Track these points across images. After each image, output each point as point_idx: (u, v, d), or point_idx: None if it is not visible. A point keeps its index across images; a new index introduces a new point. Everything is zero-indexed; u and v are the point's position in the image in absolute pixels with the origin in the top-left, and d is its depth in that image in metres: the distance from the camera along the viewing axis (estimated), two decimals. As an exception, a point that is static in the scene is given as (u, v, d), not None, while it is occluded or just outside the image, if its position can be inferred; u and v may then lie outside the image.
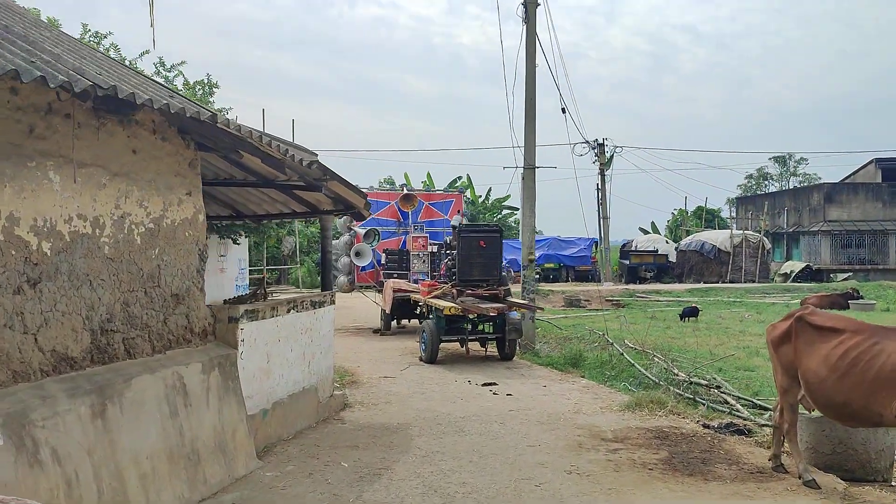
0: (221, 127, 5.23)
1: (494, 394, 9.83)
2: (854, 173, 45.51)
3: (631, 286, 32.82)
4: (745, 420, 8.58)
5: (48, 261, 4.64)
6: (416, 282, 15.84)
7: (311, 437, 7.48)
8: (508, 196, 46.21)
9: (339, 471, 6.35)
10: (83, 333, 4.92)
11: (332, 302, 8.57)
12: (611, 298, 27.99)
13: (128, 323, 5.36)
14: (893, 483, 6.23)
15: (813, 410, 6.16)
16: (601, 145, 36.59)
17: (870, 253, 38.45)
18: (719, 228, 44.41)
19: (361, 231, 17.66)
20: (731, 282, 34.31)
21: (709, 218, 49.41)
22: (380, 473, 6.25)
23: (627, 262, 38.17)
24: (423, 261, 17.41)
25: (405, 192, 18.46)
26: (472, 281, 12.62)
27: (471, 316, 12.53)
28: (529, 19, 14.53)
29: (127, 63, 20.13)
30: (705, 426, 7.90)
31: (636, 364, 11.78)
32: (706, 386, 10.24)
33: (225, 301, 13.47)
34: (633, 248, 40.65)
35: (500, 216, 46.29)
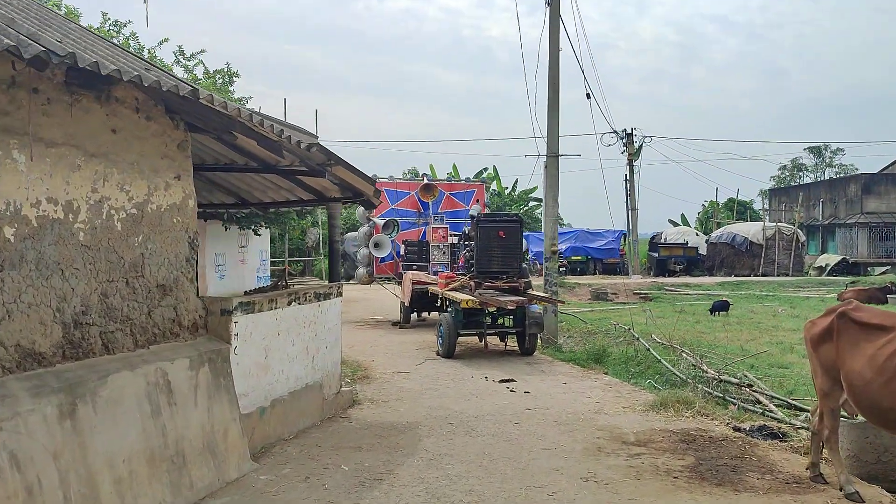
0: (204, 103, 4.81)
1: (511, 391, 9.35)
2: (893, 164, 44.12)
3: (660, 279, 32.11)
4: (779, 422, 8.02)
5: (11, 248, 4.25)
6: (435, 274, 15.38)
7: (314, 437, 7.07)
8: (535, 188, 45.49)
9: (338, 475, 5.92)
10: (53, 327, 4.53)
11: (339, 294, 8.15)
12: (639, 292, 27.36)
13: (106, 315, 4.97)
14: (945, 496, 5.66)
15: (856, 416, 5.60)
16: (629, 135, 35.82)
17: (909, 246, 37.26)
18: (751, 220, 43.37)
19: (381, 222, 17.22)
20: (763, 275, 33.43)
21: (740, 210, 48.33)
22: (381, 478, 5.81)
23: (656, 254, 37.39)
24: (444, 252, 16.94)
25: (425, 181, 17.95)
26: (491, 273, 12.12)
27: (490, 309, 12.06)
28: (553, 1, 13.95)
29: (146, 52, 19.94)
30: (736, 429, 7.34)
31: (663, 360, 11.23)
32: (737, 384, 9.68)
33: (246, 292, 13.18)
34: (662, 241, 39.82)
35: (526, 208, 45.65)
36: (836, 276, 33.06)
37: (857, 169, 59.47)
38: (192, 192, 5.96)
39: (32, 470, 4.03)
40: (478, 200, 17.81)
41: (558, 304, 12.92)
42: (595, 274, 36.67)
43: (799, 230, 36.58)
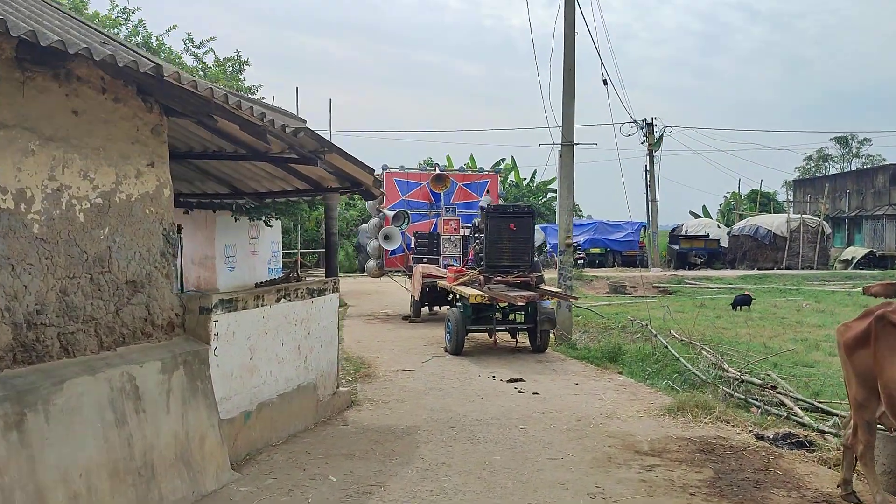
0: (169, 81, 4.35)
1: (520, 392, 8.86)
2: (922, 154, 42.94)
3: (680, 272, 31.42)
4: (805, 428, 7.48)
5: (-51, 241, 3.83)
6: (447, 267, 14.91)
7: (305, 443, 6.63)
8: (554, 179, 44.75)
9: (324, 486, 5.47)
10: (1, 328, 4.11)
11: (335, 290, 7.69)
12: (658, 285, 26.74)
13: (66, 315, 4.55)
14: None
15: (895, 430, 5.07)
16: (650, 125, 35.06)
17: (939, 239, 36.22)
18: (775, 212, 42.43)
19: (391, 213, 16.76)
20: (787, 268, 32.64)
21: (764, 201, 47.34)
22: (370, 491, 5.36)
23: (677, 247, 36.66)
24: (455, 245, 16.46)
25: (437, 172, 17.44)
26: (501, 267, 11.63)
27: (502, 304, 11.58)
28: (568, -19, 13.35)
29: (153, 39, 19.59)
30: (759, 437, 6.81)
31: (681, 358, 10.69)
32: (760, 386, 9.13)
33: (256, 285, 12.77)
34: (682, 233, 39.04)
35: (544, 199, 45.03)
36: (862, 269, 32.19)
37: (884, 159, 58.05)
38: (168, 180, 5.52)
39: (-31, 489, 3.62)
40: (488, 192, 17.27)
41: (572, 300, 12.34)
42: (614, 266, 36.00)
43: (824, 222, 35.68)
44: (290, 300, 6.75)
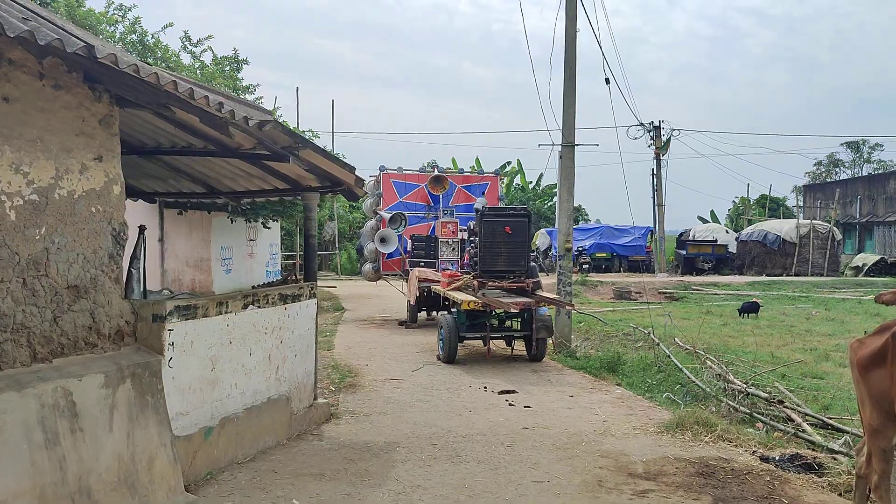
0: (104, 62, 3.90)
1: (511, 405, 8.38)
2: (935, 159, 42.24)
3: (687, 278, 30.86)
4: (814, 447, 6.99)
5: None
6: (444, 271, 14.44)
7: (273, 460, 6.17)
8: (555, 184, 44.39)
9: (285, 512, 5.02)
10: None
11: (312, 295, 7.23)
12: (664, 291, 26.22)
13: (-9, 323, 4.10)
14: None
15: (913, 458, 4.56)
16: (657, 128, 34.48)
17: (952, 246, 35.51)
18: (784, 218, 41.84)
19: (387, 215, 16.31)
20: (796, 275, 32.04)
21: (773, 206, 46.75)
22: (334, 518, 4.90)
23: (684, 252, 36.08)
24: (453, 248, 16.00)
25: (436, 173, 16.96)
26: (496, 271, 11.13)
27: (498, 311, 11.10)
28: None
29: (149, 36, 19.24)
30: (763, 458, 6.31)
31: (684, 369, 10.19)
32: (766, 400, 8.63)
33: (253, 287, 12.33)
34: (690, 238, 38.44)
35: (550, 203, 44.53)
36: (873, 276, 31.54)
37: (896, 165, 57.33)
38: (119, 176, 5.07)
39: None
40: (483, 193, 16.77)
41: (570, 307, 11.84)
42: (620, 271, 35.47)
43: (835, 228, 35.02)
44: (259, 307, 6.29)
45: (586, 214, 51.82)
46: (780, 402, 8.58)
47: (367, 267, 17.15)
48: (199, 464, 5.54)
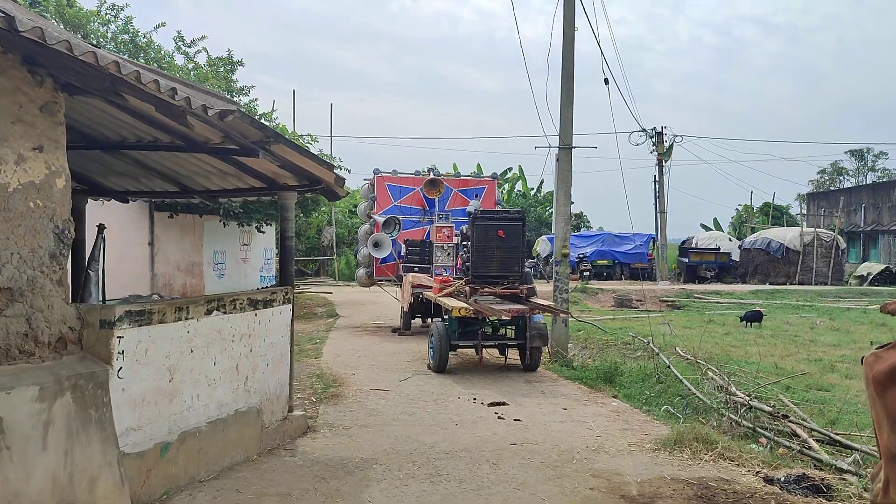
0: (28, 37, 3.48)
1: (500, 418, 7.92)
2: (941, 168, 41.79)
3: (689, 286, 30.41)
4: (821, 465, 6.54)
5: None
6: (437, 276, 14.00)
7: (239, 478, 5.72)
8: (562, 188, 43.95)
9: (242, 538, 4.57)
10: None
11: (287, 301, 6.79)
12: (666, 299, 25.76)
13: None
14: None
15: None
16: (659, 134, 34.05)
17: (958, 255, 35.00)
18: (788, 226, 41.34)
19: (381, 219, 15.88)
20: (800, 283, 31.57)
21: (776, 214, 46.28)
22: (295, 546, 4.45)
23: (686, 260, 35.64)
24: (448, 253, 15.55)
25: (431, 176, 16.53)
26: (488, 277, 10.69)
27: (492, 318, 10.66)
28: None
29: (141, 36, 18.92)
30: (767, 480, 5.84)
31: (684, 380, 9.74)
32: (770, 414, 8.18)
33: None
34: (692, 246, 37.99)
35: (552, 209, 44.06)
36: (878, 285, 31.05)
37: (900, 174, 56.90)
38: (64, 168, 4.64)
39: None
40: (476, 196, 16.33)
41: (566, 315, 11.39)
42: (621, 279, 35.00)
43: (839, 236, 34.53)
44: (225, 312, 5.85)
45: (588, 221, 51.39)
46: (785, 416, 8.14)
47: (361, 272, 16.72)
48: (154, 483, 5.09)
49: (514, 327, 10.95)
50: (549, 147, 12.66)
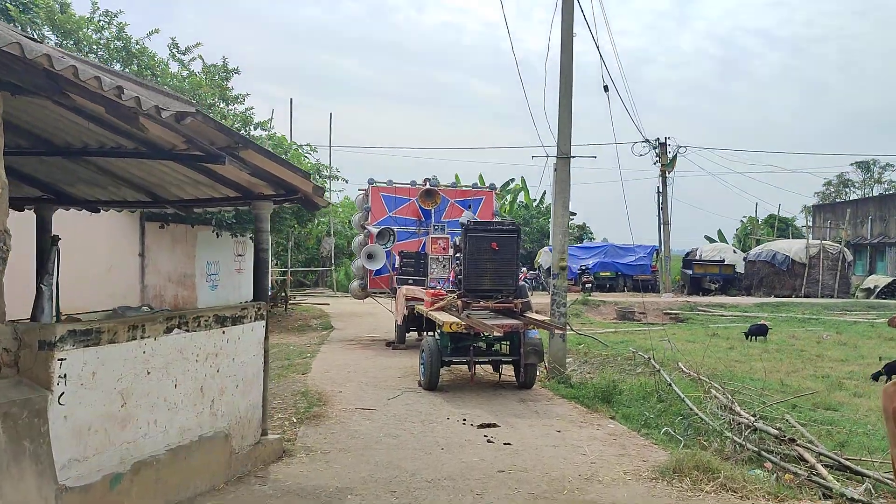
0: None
1: (489, 441, 7.48)
2: (948, 179, 41.29)
3: (693, 298, 29.93)
4: (831, 495, 6.09)
5: None
6: (429, 289, 13.57)
7: (201, 510, 5.30)
8: (565, 199, 43.54)
9: (192, 583, 4.14)
10: None
11: (260, 317, 6.38)
12: (669, 312, 25.31)
13: None
14: None
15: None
16: (663, 144, 33.64)
17: (966, 268, 34.46)
18: (793, 238, 40.85)
19: (375, 230, 15.48)
20: (806, 296, 31.05)
21: (782, 226, 45.79)
22: None
23: (690, 272, 35.15)
24: (444, 265, 15.14)
25: (427, 187, 16.12)
26: (481, 291, 10.26)
27: (486, 334, 10.22)
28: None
29: (134, 42, 18.64)
30: (773, 514, 5.40)
31: (686, 399, 9.28)
32: (776, 437, 7.72)
33: (241, 304, 11.50)
34: (696, 258, 37.50)
35: (554, 220, 43.66)
36: (885, 298, 30.52)
37: (907, 185, 56.41)
38: (0, 176, 4.24)
39: None
40: (469, 207, 15.89)
41: (561, 330, 10.93)
42: (624, 291, 34.55)
43: (845, 249, 34.03)
44: (188, 330, 5.44)
45: (591, 233, 50.94)
46: (792, 439, 7.68)
47: (354, 284, 16.31)
48: (103, 518, 4.67)
49: (508, 343, 10.52)
50: (547, 157, 12.27)
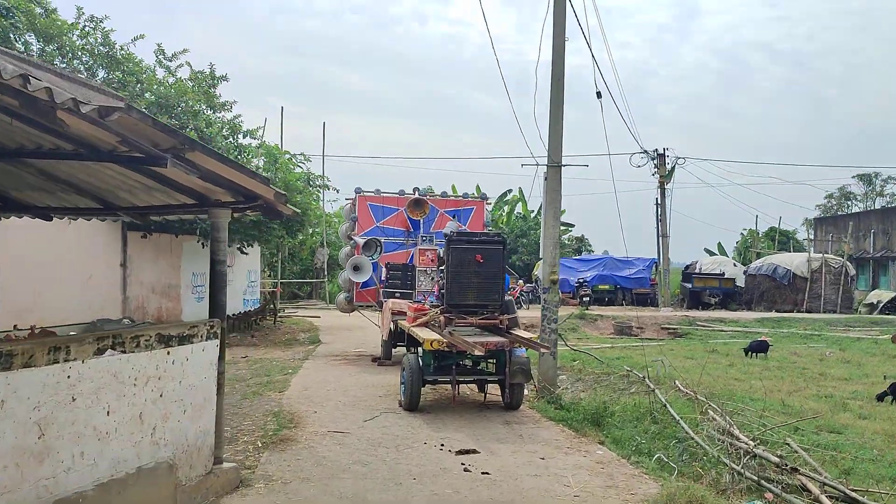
0: None
1: (466, 470, 6.91)
2: (952, 193, 40.78)
3: (692, 313, 29.33)
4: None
5: None
6: (413, 304, 13.03)
7: (134, 552, 4.74)
8: (563, 211, 43.08)
9: None
10: None
11: (213, 335, 5.85)
12: (667, 326, 24.74)
13: None
14: None
15: None
16: (661, 155, 33.14)
17: (971, 282, 33.88)
18: (794, 251, 40.29)
19: (361, 241, 14.96)
20: (807, 311, 30.46)
21: (783, 239, 45.24)
22: None
23: (690, 285, 34.58)
24: (432, 278, 14.59)
25: (416, 196, 15.61)
26: (465, 306, 9.72)
27: (473, 352, 9.66)
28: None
29: (119, 48, 18.22)
30: (773, 559, 4.85)
31: (682, 422, 8.75)
32: (777, 466, 7.18)
33: (229, 317, 10.93)
34: (696, 271, 36.94)
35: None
36: (888, 314, 29.92)
37: (910, 199, 55.95)
38: None
39: None
40: (454, 217, 15.36)
41: (546, 349, 10.35)
42: (623, 304, 33.99)
43: (848, 263, 33.46)
44: (123, 351, 4.90)
45: (590, 245, 50.43)
46: (794, 468, 7.13)
47: (341, 297, 15.77)
48: (14, 565, 4.12)
49: (494, 361, 9.98)
50: (537, 165, 11.77)
